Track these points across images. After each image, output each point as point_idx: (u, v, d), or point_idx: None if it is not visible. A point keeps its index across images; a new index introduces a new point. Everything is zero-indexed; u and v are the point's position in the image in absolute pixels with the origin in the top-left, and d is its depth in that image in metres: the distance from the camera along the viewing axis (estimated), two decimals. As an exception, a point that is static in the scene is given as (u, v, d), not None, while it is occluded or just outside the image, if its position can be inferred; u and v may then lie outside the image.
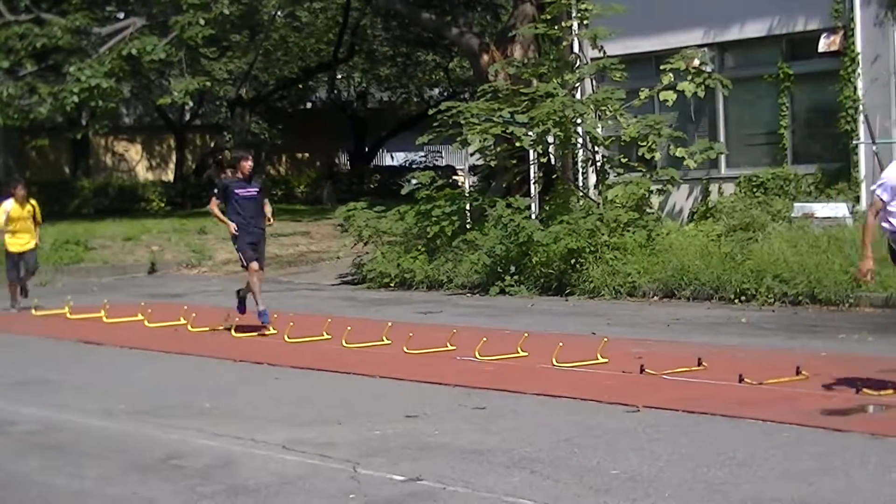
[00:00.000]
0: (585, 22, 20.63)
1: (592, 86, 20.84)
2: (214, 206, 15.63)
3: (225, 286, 22.41)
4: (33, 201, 18.96)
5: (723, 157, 20.84)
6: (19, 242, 18.67)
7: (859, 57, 19.23)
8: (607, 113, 20.06)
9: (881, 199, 9.62)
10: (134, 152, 47.40)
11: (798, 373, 10.46)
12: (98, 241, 27.29)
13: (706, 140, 20.52)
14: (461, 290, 19.65)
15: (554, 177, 22.62)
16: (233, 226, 15.06)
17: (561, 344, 11.97)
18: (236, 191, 15.19)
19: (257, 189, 15.37)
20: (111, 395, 11.20)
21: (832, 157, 19.82)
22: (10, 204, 18.54)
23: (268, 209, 15.45)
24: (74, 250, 26.14)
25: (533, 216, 20.99)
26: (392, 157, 52.49)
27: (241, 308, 15.62)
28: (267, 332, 14.95)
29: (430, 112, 22.19)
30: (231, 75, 42.47)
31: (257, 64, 43.33)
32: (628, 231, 18.66)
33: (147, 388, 11.58)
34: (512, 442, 8.50)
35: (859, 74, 19.26)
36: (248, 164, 15.31)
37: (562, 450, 8.21)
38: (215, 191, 15.92)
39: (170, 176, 46.08)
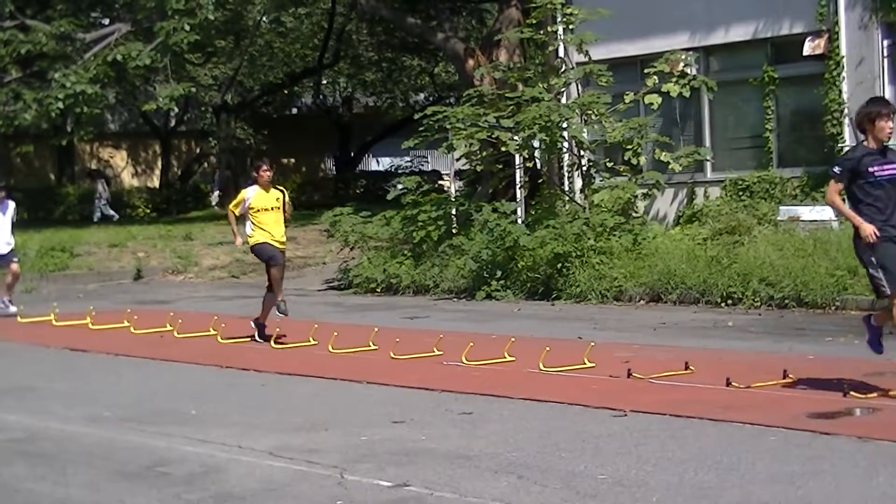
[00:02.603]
0: (571, 27, 20.62)
1: (578, 90, 20.84)
2: (836, 195, 9.73)
3: (211, 292, 22.39)
4: (282, 188, 15.09)
5: (708, 161, 20.85)
6: (266, 235, 14.67)
7: (844, 60, 19.26)
8: (593, 117, 20.06)
9: None
10: (119, 158, 47.39)
11: (785, 376, 10.46)
12: (83, 248, 27.20)
13: (692, 145, 20.57)
14: (447, 295, 19.62)
15: (540, 181, 22.64)
16: (868, 229, 9.41)
17: (548, 348, 11.95)
18: (871, 169, 9.50)
19: None
20: (97, 401, 11.15)
21: (818, 161, 19.82)
22: (252, 191, 14.73)
23: None
24: (60, 257, 26.04)
25: (519, 221, 20.98)
26: (378, 162, 52.48)
27: (877, 348, 10.10)
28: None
29: (416, 117, 22.16)
30: (216, 81, 42.44)
31: (242, 69, 43.29)
32: (614, 235, 18.66)
33: (133, 395, 11.52)
34: (499, 447, 8.48)
35: (844, 78, 19.30)
36: (889, 126, 9.52)
37: (549, 454, 8.20)
38: (837, 170, 9.70)
39: (155, 182, 46.03)
